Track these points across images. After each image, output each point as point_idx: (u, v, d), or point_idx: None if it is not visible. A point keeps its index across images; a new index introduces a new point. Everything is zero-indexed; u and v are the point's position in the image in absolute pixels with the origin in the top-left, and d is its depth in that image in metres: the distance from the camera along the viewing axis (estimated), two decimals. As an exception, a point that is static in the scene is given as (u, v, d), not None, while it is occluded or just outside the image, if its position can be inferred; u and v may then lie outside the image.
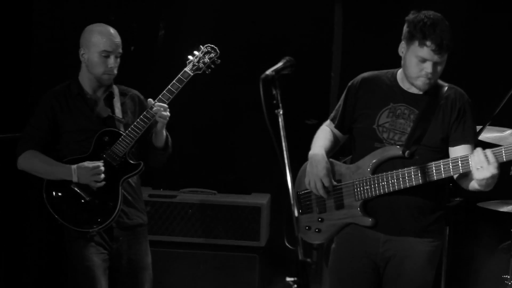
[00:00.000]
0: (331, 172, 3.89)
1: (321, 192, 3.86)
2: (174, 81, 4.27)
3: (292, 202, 2.95)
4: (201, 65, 4.32)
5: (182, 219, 5.48)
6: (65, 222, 4.22)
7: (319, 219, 3.95)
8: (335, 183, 3.89)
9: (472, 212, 5.15)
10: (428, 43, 3.63)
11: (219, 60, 4.36)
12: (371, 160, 3.80)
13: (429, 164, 3.65)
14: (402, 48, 3.76)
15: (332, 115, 4.07)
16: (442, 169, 3.62)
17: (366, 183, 3.79)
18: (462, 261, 5.29)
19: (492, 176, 3.52)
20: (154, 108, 4.20)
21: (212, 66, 4.36)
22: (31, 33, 5.92)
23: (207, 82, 4.58)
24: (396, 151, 3.77)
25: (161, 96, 4.24)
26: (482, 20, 5.47)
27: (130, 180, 4.34)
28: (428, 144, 3.76)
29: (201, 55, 4.34)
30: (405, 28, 3.74)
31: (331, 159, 3.93)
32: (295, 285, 2.81)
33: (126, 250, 4.35)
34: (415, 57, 3.68)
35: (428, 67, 3.67)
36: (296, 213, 2.93)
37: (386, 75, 3.91)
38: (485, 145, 3.62)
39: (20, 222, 5.84)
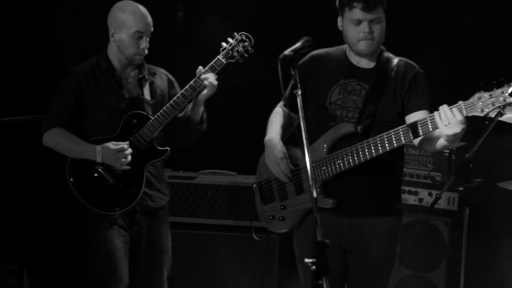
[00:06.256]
0: (288, 156, 3.84)
1: (281, 176, 3.82)
2: (206, 68, 4.23)
3: (310, 183, 2.94)
4: (234, 53, 4.27)
5: (201, 200, 5.49)
6: (87, 203, 4.21)
7: (282, 207, 3.93)
8: (292, 167, 3.84)
9: (492, 193, 5.12)
10: (355, 4, 3.63)
11: (253, 50, 4.31)
12: (326, 140, 3.76)
13: (385, 133, 3.60)
14: (339, 22, 3.77)
15: (284, 96, 3.99)
16: (401, 134, 3.56)
17: (323, 163, 3.74)
18: (482, 243, 5.25)
19: (462, 131, 3.43)
20: (203, 76, 4.19)
21: (246, 55, 4.30)
22: (52, 13, 5.93)
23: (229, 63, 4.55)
24: (349, 127, 3.73)
25: (193, 82, 4.20)
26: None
27: None
28: (383, 119, 3.73)
29: (235, 43, 4.28)
30: (337, 3, 3.76)
31: (287, 145, 3.88)
32: (314, 267, 2.80)
33: (147, 234, 4.35)
34: (350, 22, 3.69)
35: (364, 27, 3.67)
36: (315, 194, 2.92)
37: (336, 51, 3.89)
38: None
39: (41, 204, 5.88)
